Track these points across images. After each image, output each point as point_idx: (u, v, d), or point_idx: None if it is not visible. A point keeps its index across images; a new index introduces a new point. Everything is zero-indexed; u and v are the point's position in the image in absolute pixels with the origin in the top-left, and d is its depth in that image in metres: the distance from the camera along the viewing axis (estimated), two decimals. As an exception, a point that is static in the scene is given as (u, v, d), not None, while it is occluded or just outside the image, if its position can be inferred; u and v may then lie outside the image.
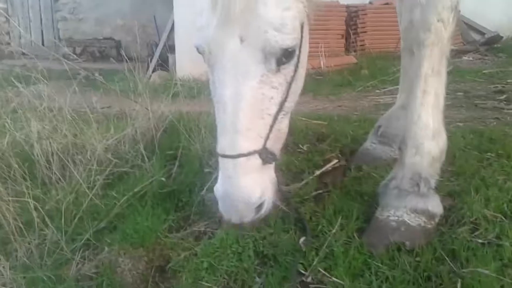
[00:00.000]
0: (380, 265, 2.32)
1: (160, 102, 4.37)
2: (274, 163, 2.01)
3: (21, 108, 4.19)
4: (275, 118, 1.89)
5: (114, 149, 3.67)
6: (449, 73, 2.43)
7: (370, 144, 3.45)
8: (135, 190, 3.15)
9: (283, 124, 2.00)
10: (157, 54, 9.37)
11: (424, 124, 2.55)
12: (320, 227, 2.70)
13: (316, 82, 7.07)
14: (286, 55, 1.82)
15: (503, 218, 2.54)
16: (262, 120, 1.85)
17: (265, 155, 1.88)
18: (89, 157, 3.40)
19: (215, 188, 1.97)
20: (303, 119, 4.30)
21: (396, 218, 2.52)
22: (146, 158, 3.52)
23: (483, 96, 5.69)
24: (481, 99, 5.51)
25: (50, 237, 2.97)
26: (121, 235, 2.91)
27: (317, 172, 3.20)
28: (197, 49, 1.90)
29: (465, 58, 8.63)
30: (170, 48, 9.21)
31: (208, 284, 2.43)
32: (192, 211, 3.09)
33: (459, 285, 2.12)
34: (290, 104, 1.97)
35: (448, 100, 5.71)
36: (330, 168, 3.28)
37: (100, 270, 2.72)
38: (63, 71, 4.34)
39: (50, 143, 3.53)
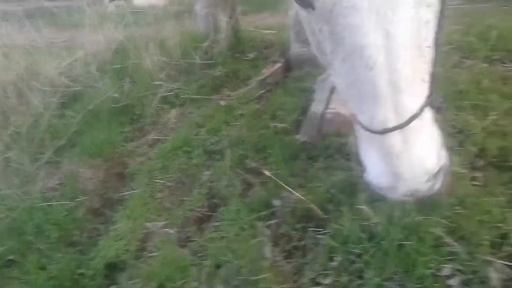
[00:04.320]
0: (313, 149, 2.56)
1: (112, 28, 4.41)
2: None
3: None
4: (433, 50, 1.28)
5: (67, 72, 3.77)
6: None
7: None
8: (90, 107, 3.31)
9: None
10: (112, -16, 9.13)
11: None
12: (263, 122, 2.91)
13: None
14: None
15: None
16: (423, 57, 1.24)
17: (433, 102, 1.30)
18: (43, 82, 3.51)
19: (373, 181, 1.38)
20: (252, 29, 4.38)
21: (332, 110, 2.70)
22: (98, 78, 3.63)
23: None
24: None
25: (14, 159, 3.15)
26: (80, 149, 3.11)
27: (261, 76, 3.35)
28: None
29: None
30: (126, -23, 8.96)
31: (162, 181, 2.66)
32: (146, 122, 3.29)
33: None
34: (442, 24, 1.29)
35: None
36: (272, 71, 3.43)
37: (63, 182, 2.93)
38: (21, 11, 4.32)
39: (4, 72, 3.61)
